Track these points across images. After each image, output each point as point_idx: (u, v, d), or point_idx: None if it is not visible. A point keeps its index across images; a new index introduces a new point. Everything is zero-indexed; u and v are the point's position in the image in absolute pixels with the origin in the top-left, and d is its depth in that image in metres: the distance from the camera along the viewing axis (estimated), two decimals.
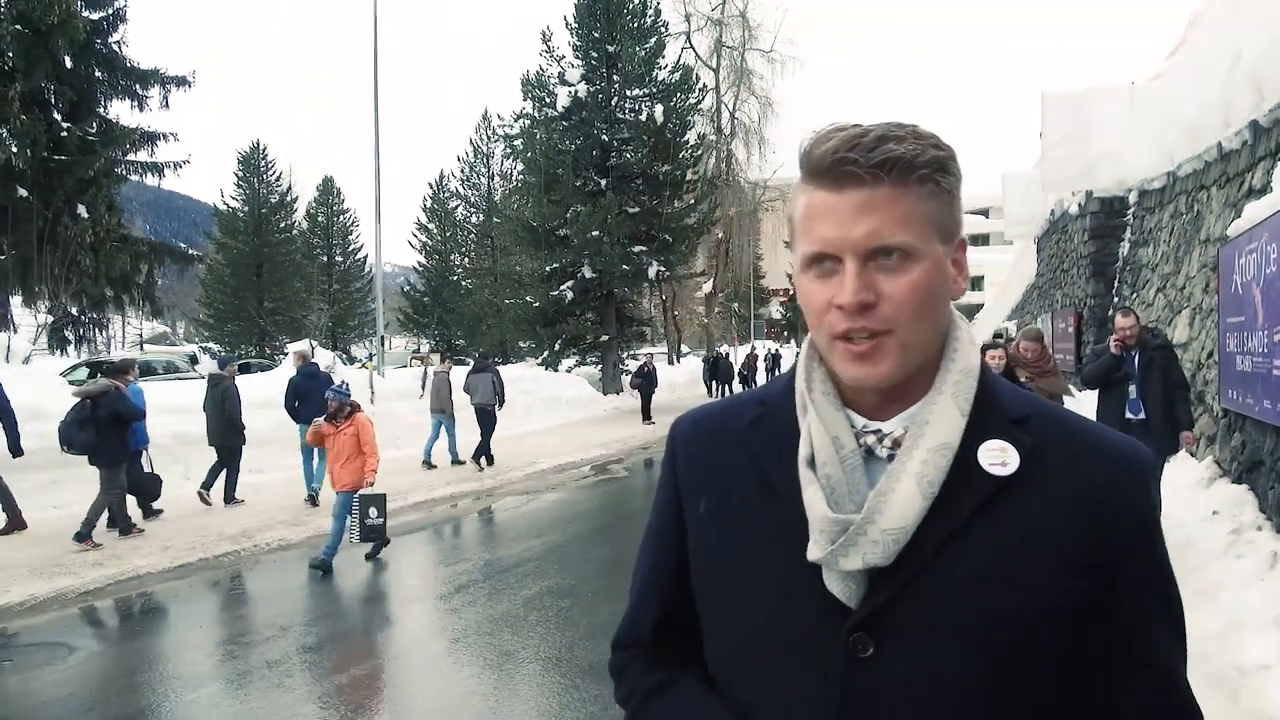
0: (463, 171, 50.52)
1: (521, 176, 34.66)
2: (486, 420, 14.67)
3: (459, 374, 16.14)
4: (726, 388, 31.55)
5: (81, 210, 18.88)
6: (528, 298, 29.97)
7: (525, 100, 29.69)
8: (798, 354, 1.08)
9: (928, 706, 0.92)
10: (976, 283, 62.00)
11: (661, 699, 1.09)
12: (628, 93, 29.52)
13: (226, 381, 11.26)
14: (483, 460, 14.51)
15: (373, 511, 8.11)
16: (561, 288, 28.68)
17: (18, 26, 17.53)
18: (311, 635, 6.37)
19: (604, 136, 28.84)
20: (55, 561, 8.38)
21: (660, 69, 30.15)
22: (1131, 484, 0.97)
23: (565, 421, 22.59)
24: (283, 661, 5.81)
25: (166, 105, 21.87)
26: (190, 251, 24.40)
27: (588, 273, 28.26)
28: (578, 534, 9.73)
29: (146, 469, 10.58)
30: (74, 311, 20.47)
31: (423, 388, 17.72)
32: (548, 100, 28.94)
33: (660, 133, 28.37)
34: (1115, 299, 15.03)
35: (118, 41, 20.96)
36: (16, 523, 9.62)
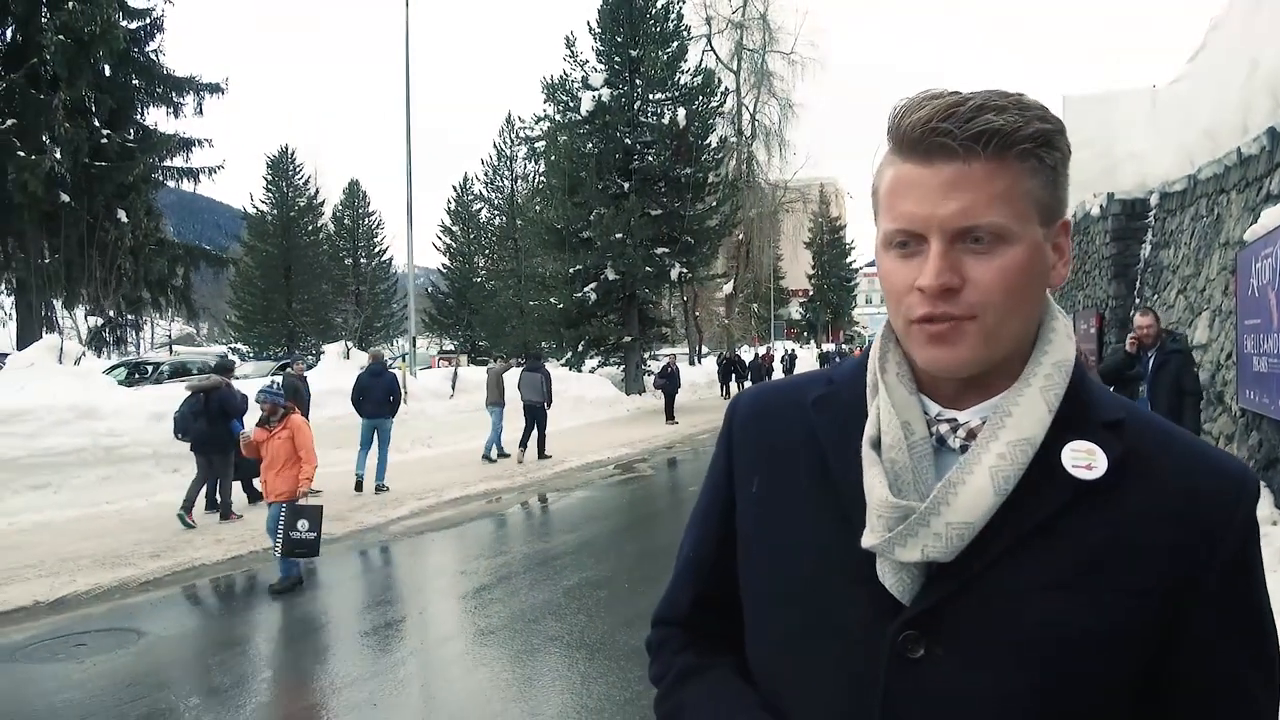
0: (486, 174, 51.10)
1: (543, 179, 35.10)
2: (537, 416, 15.43)
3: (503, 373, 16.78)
4: (743, 387, 31.87)
5: (121, 215, 19.43)
6: (552, 299, 30.35)
7: (546, 103, 30.10)
8: (868, 340, 1.11)
9: (975, 718, 0.86)
10: None
11: (693, 682, 1.05)
12: (650, 96, 29.83)
13: (294, 380, 11.89)
14: (521, 452, 15.20)
15: (302, 524, 7.25)
16: (585, 289, 29.03)
17: (61, 37, 18.07)
18: (366, 621, 6.72)
19: (627, 140, 29.17)
20: (115, 553, 8.78)
21: (682, 73, 30.46)
22: (1232, 503, 0.88)
23: (589, 421, 22.91)
24: (338, 645, 6.16)
25: (200, 112, 22.44)
26: (224, 254, 25.01)
27: (611, 274, 28.62)
28: (609, 529, 10.06)
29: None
30: (111, 313, 20.99)
31: (452, 388, 18.11)
32: (571, 104, 29.30)
33: (683, 136, 28.69)
34: (1137, 300, 15.18)
35: (154, 50, 21.57)
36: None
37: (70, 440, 10.71)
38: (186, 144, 21.87)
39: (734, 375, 32.75)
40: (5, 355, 17.73)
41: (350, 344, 18.36)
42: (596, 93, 28.53)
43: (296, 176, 48.91)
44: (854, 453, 0.94)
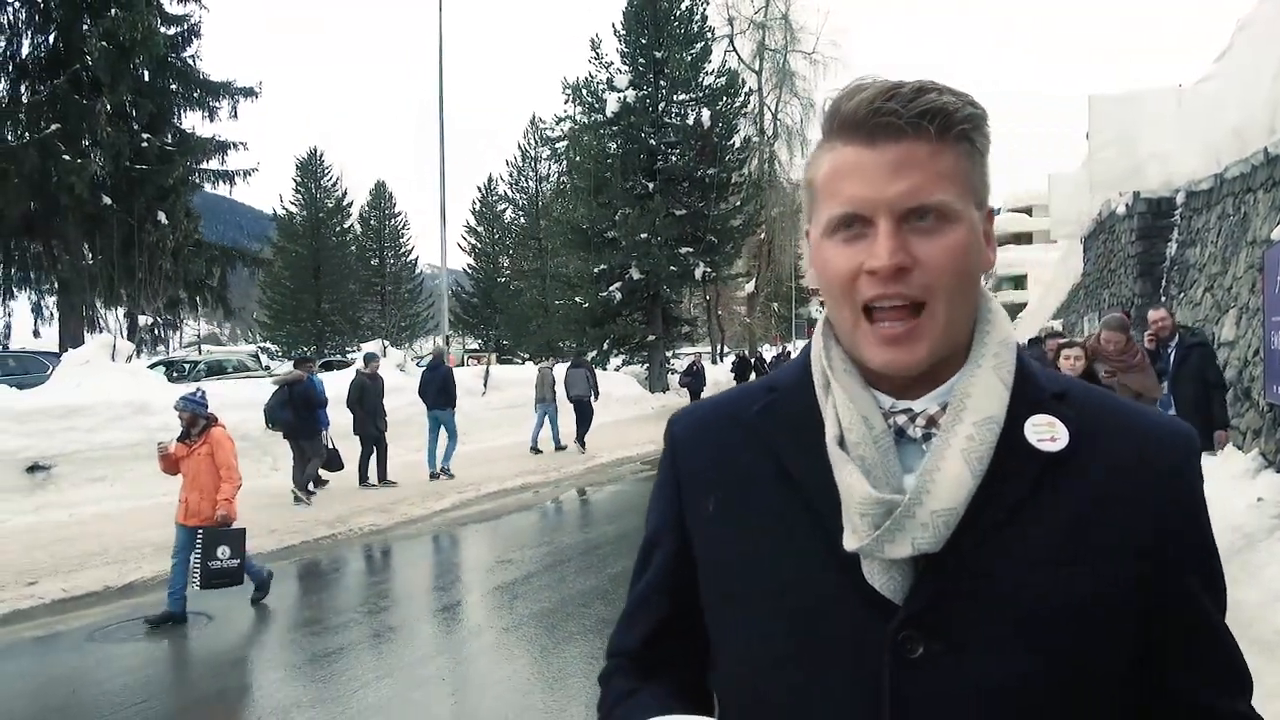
0: (511, 175, 51.65)
1: (565, 179, 35.52)
2: (584, 410, 16.45)
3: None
4: None
5: (162, 217, 19.93)
6: (577, 298, 30.71)
7: (568, 104, 30.46)
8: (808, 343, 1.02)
9: (988, 710, 0.84)
10: (1019, 281, 61.65)
11: (625, 702, 1.02)
12: (674, 97, 30.11)
13: (364, 379, 12.36)
14: (577, 444, 16.24)
15: (223, 551, 6.58)
16: (610, 289, 29.36)
17: (104, 43, 18.56)
18: (431, 603, 7.05)
19: (651, 140, 29.47)
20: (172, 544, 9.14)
21: (706, 74, 30.71)
22: (1183, 460, 0.90)
23: (616, 419, 23.18)
24: (404, 626, 6.49)
25: (235, 115, 22.96)
26: (259, 255, 25.55)
27: (635, 274, 28.93)
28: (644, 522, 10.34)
29: (329, 447, 12.00)
30: (154, 314, 21.51)
31: (484, 385, 18.47)
32: (596, 106, 29.63)
33: (707, 136, 28.95)
34: (1163, 298, 15.29)
35: (191, 55, 22.07)
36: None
37: (126, 435, 11.11)
38: (222, 147, 22.37)
39: (754, 375, 32.95)
40: (50, 354, 18.25)
41: (386, 343, 18.74)
42: (622, 94, 28.85)
43: (325, 178, 49.67)
44: (815, 456, 0.91)
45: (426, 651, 5.95)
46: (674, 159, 29.91)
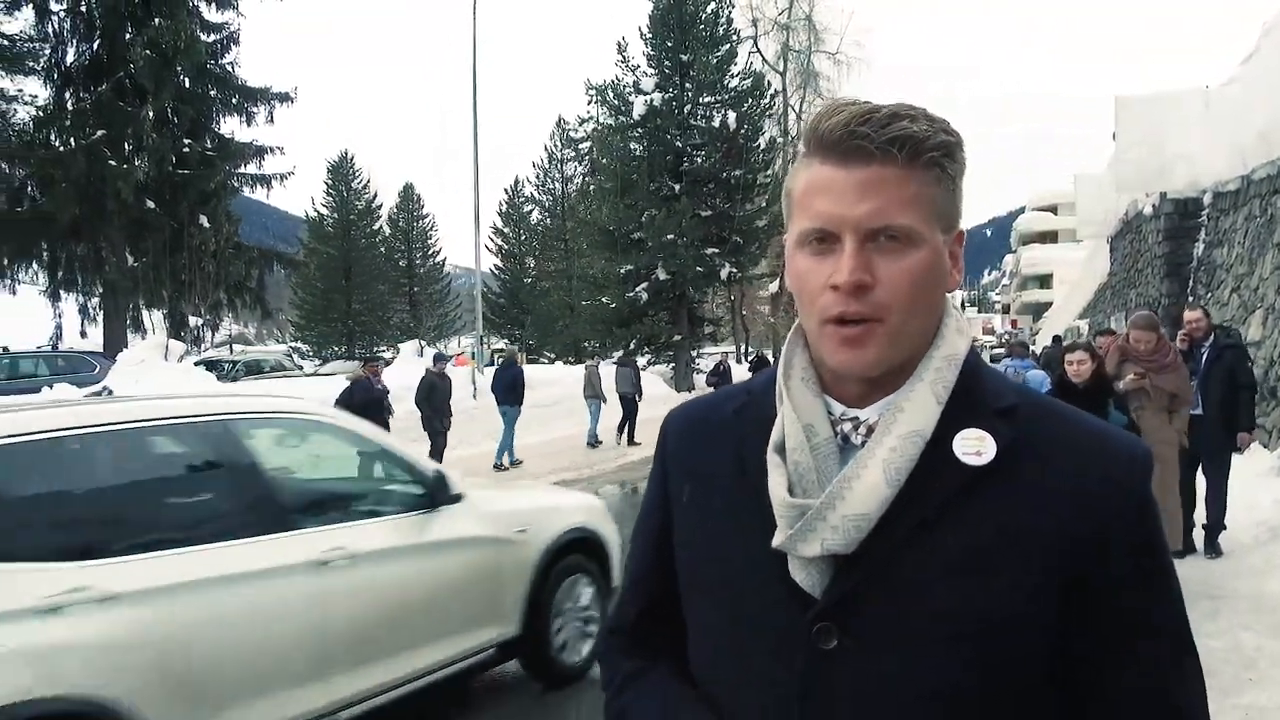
0: (537, 177, 52.22)
1: (589, 180, 35.94)
2: (629, 406, 17.14)
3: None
4: None
5: (203, 220, 20.50)
6: (603, 299, 31.09)
7: (591, 105, 30.82)
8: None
9: (893, 705, 0.88)
10: (1044, 280, 61.42)
11: (633, 686, 1.09)
12: (700, 99, 30.38)
13: (434, 378, 12.78)
14: (619, 437, 16.91)
15: None
16: (637, 289, 29.70)
17: (147, 52, 19.12)
18: None
19: (677, 142, 29.78)
20: None
21: (732, 76, 30.98)
22: (1125, 480, 0.91)
23: (645, 417, 23.45)
24: None
25: (271, 120, 23.49)
26: (296, 257, 26.15)
27: (661, 274, 29.25)
28: None
29: None
30: (200, 314, 22.11)
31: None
32: (623, 108, 29.97)
33: (733, 138, 29.23)
34: (1190, 298, 15.41)
35: (230, 62, 22.62)
36: None
37: None
38: (260, 151, 22.92)
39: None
40: (96, 354, 18.83)
41: (423, 342, 19.19)
42: (648, 97, 29.17)
43: (355, 181, 50.47)
44: (765, 457, 0.97)
45: None
46: (700, 160, 30.19)
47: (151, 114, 18.99)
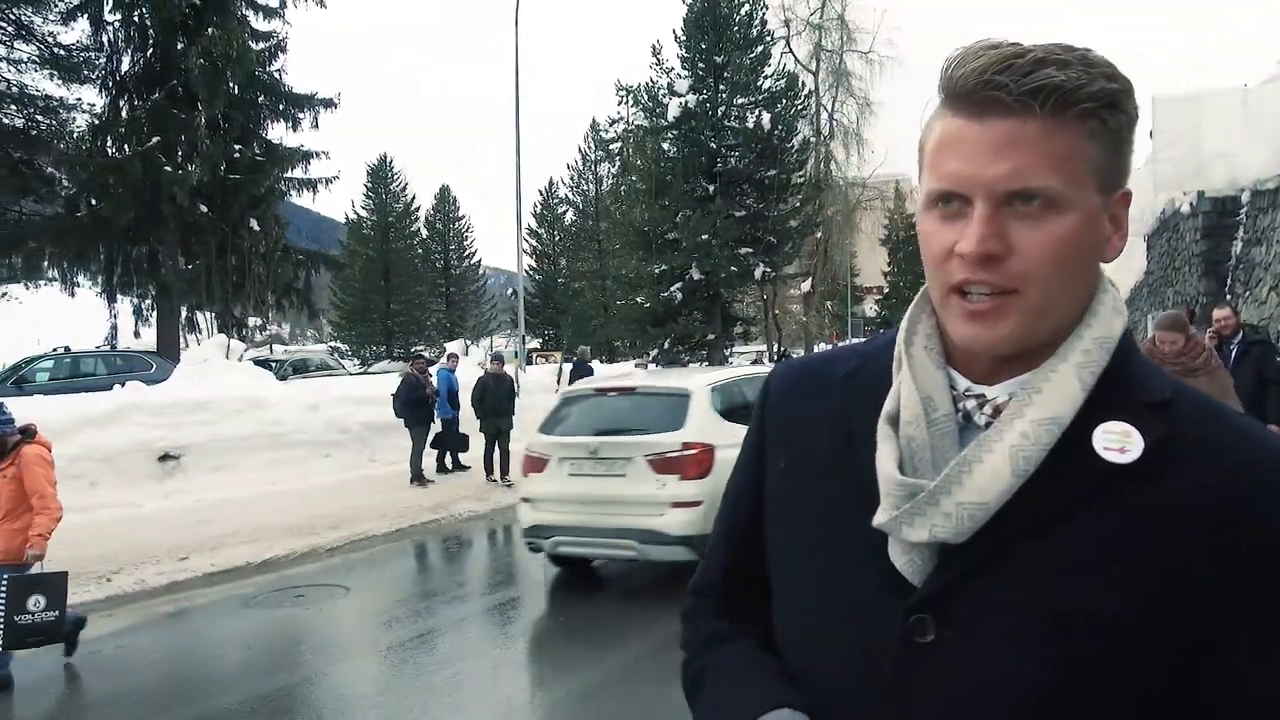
0: (571, 178, 52.86)
1: (620, 180, 36.30)
2: None
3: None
4: None
5: (254, 224, 21.14)
6: (638, 299, 31.46)
7: (621, 106, 31.17)
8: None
9: (988, 703, 0.82)
10: None
11: (716, 648, 1.05)
12: (734, 101, 30.66)
13: (489, 378, 13.07)
14: None
15: (36, 601, 5.20)
16: (671, 289, 30.04)
17: (201, 60, 19.75)
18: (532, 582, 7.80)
19: (711, 144, 30.09)
20: (298, 525, 10.01)
21: (765, 77, 31.22)
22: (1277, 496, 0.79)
23: None
24: (514, 604, 7.24)
25: (316, 125, 24.07)
26: (341, 258, 26.86)
27: (696, 274, 29.57)
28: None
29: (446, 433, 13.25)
30: (236, 314, 22.73)
31: (558, 381, 19.29)
32: (658, 110, 30.31)
33: (768, 139, 29.47)
34: (1228, 296, 15.45)
35: (278, 70, 23.27)
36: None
37: (242, 428, 12.07)
38: (306, 156, 23.53)
39: None
40: (151, 353, 19.49)
41: (469, 342, 19.64)
42: (683, 99, 29.49)
43: (394, 183, 51.43)
44: (875, 428, 0.91)
45: (558, 618, 6.67)
46: (733, 162, 30.49)
47: (204, 121, 19.60)
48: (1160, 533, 0.79)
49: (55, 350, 18.54)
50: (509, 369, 15.14)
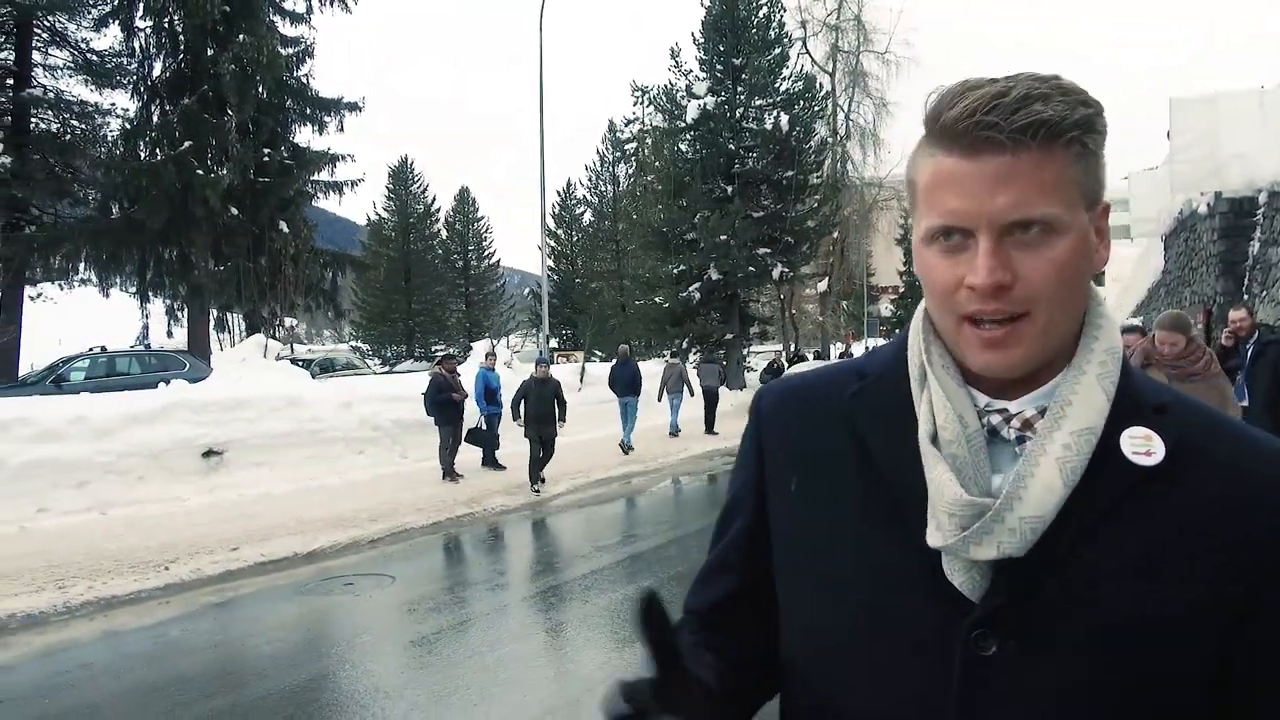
0: (590, 179, 53.31)
1: (637, 181, 36.64)
2: (711, 398, 19.25)
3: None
4: None
5: (283, 226, 21.61)
6: (657, 299, 31.77)
7: (637, 106, 31.50)
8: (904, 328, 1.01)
9: (1051, 712, 0.83)
10: (1097, 278, 60.38)
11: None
12: (753, 102, 30.92)
13: (535, 382, 13.13)
14: (707, 430, 18.79)
15: None
16: (689, 289, 30.33)
17: (232, 66, 20.22)
18: (584, 565, 8.13)
19: (730, 145, 30.36)
20: (340, 518, 10.39)
21: (783, 78, 31.48)
22: None
23: (699, 414, 24.17)
24: (555, 591, 7.58)
25: (342, 129, 24.56)
26: (365, 259, 27.37)
27: (714, 274, 29.84)
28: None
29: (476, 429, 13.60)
30: (265, 314, 23.19)
31: (580, 380, 19.67)
32: (676, 112, 30.61)
33: (786, 140, 29.72)
34: (1245, 297, 15.62)
35: (305, 74, 23.73)
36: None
37: (281, 425, 12.46)
38: (333, 159, 24.00)
39: None
40: (183, 353, 19.95)
41: (495, 341, 20.03)
42: (701, 101, 29.78)
43: (415, 185, 52.04)
44: (903, 448, 0.92)
45: (590, 609, 7.00)
46: (751, 163, 30.76)
47: (234, 125, 20.06)
48: (1189, 531, 0.84)
49: (91, 350, 18.98)
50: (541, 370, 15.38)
